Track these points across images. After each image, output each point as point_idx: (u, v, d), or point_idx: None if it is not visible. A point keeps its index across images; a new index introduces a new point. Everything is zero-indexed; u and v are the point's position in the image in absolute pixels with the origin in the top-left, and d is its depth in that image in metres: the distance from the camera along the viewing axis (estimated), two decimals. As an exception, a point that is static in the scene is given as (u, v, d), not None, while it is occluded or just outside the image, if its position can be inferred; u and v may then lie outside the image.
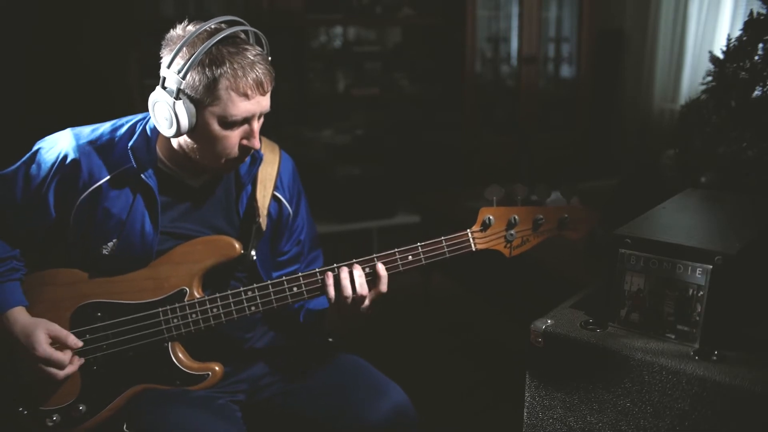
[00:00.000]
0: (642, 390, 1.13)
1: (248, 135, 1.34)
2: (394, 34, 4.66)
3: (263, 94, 1.31)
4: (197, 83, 1.26)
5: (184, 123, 1.28)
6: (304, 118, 4.27)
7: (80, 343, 1.37)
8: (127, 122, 1.43)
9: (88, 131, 1.41)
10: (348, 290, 1.36)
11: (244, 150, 1.35)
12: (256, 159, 1.48)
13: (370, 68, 4.48)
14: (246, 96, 1.28)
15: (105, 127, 1.42)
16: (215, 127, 1.30)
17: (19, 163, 1.40)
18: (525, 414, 1.30)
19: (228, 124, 1.30)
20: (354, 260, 1.39)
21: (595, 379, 1.20)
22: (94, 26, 3.50)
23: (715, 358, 1.10)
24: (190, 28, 1.30)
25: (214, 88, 1.26)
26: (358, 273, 1.37)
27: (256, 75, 1.28)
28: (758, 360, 1.10)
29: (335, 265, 1.40)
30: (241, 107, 1.29)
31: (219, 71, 1.25)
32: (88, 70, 3.47)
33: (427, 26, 4.48)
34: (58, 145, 1.38)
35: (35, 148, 1.40)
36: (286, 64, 4.17)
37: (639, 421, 1.15)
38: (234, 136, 1.33)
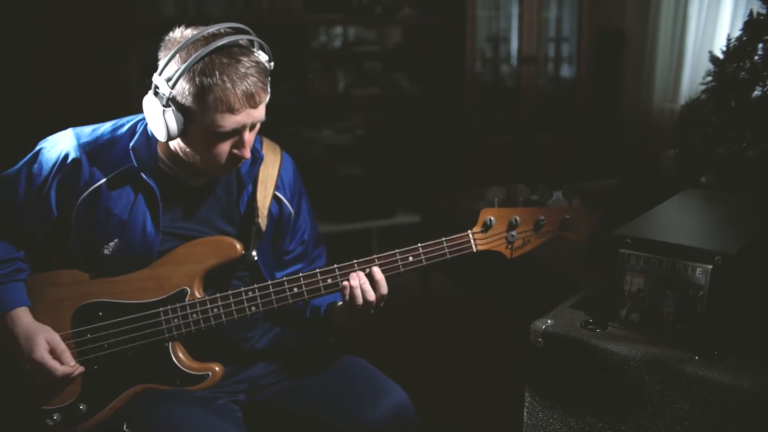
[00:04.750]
0: (642, 390, 1.13)
1: (238, 145, 1.33)
2: (394, 34, 4.66)
3: (254, 106, 1.29)
4: (187, 92, 1.25)
5: (174, 130, 1.28)
6: (304, 118, 4.27)
7: (72, 363, 1.36)
8: (128, 122, 1.43)
9: (89, 131, 1.41)
10: (370, 295, 1.38)
11: (235, 158, 1.35)
12: (257, 159, 1.48)
13: (370, 68, 4.47)
14: (234, 109, 1.26)
15: (106, 126, 1.42)
16: (204, 136, 1.30)
17: (21, 163, 1.40)
18: (525, 414, 1.30)
19: (216, 135, 1.29)
20: (354, 261, 1.40)
21: (595, 379, 1.20)
22: (94, 26, 3.50)
23: (715, 358, 1.10)
24: (188, 33, 1.28)
25: (203, 99, 1.25)
26: (377, 274, 1.39)
27: (246, 87, 1.25)
28: (758, 360, 1.10)
29: (335, 265, 1.41)
30: (229, 120, 1.27)
31: (208, 82, 1.23)
32: (88, 71, 3.47)
33: (427, 26, 4.48)
34: (60, 144, 1.38)
35: (37, 147, 1.40)
36: (286, 64, 4.17)
37: (639, 421, 1.15)
38: (224, 146, 1.32)
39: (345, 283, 1.38)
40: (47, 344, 1.34)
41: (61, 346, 1.36)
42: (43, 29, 3.40)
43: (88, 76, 3.46)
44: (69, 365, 1.35)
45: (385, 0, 4.27)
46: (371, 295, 1.38)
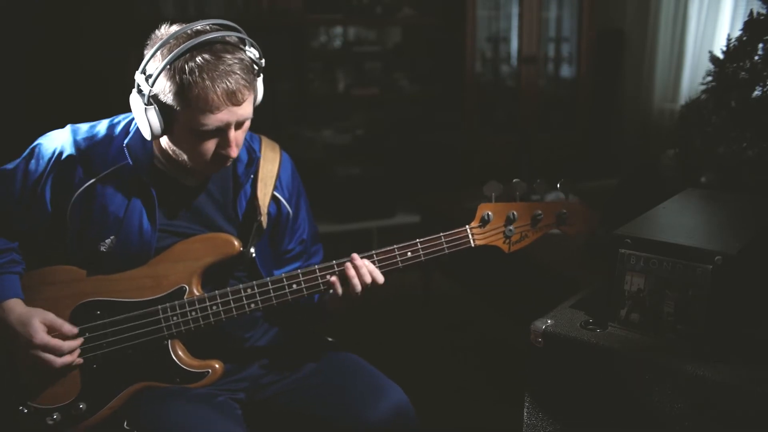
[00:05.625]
0: (642, 390, 1.13)
1: (224, 144, 1.31)
2: (394, 34, 4.65)
3: (237, 104, 1.27)
4: (167, 90, 1.24)
5: (156, 128, 1.27)
6: (304, 118, 4.27)
7: (75, 330, 1.36)
8: (123, 119, 1.43)
9: (86, 128, 1.42)
10: (358, 287, 1.38)
11: (221, 158, 1.33)
12: (253, 159, 1.47)
13: (370, 68, 4.47)
14: (215, 107, 1.24)
15: (103, 124, 1.43)
16: (188, 134, 1.29)
17: (19, 159, 1.40)
18: (525, 414, 1.31)
19: (200, 133, 1.28)
20: (353, 254, 1.41)
21: (595, 379, 1.20)
22: (94, 26, 3.50)
23: (715, 358, 1.10)
24: (172, 29, 1.27)
25: (184, 97, 1.23)
26: (363, 266, 1.38)
27: (227, 85, 1.23)
28: (758, 360, 1.10)
29: (334, 261, 1.41)
30: (211, 118, 1.25)
31: (188, 79, 1.22)
32: (88, 71, 3.46)
33: (427, 26, 4.48)
34: (56, 141, 1.39)
35: (34, 143, 1.41)
36: (286, 64, 4.17)
37: (639, 421, 1.15)
38: (208, 144, 1.30)
39: (351, 272, 1.38)
40: (44, 325, 1.34)
41: (58, 321, 1.35)
42: (43, 29, 3.40)
43: (88, 76, 3.45)
44: (71, 342, 1.35)
45: (385, 0, 4.27)
46: (358, 287, 1.38)
